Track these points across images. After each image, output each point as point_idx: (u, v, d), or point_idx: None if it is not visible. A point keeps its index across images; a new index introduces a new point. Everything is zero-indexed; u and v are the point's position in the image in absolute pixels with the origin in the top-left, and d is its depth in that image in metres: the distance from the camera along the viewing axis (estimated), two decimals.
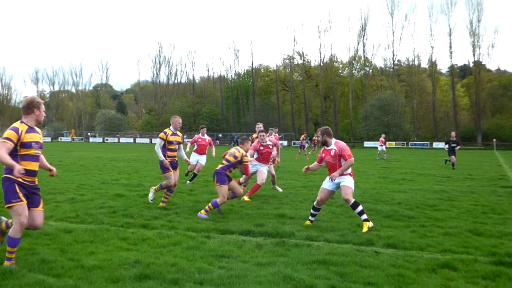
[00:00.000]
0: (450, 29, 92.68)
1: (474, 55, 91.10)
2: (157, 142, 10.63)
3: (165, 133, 10.72)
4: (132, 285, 5.16)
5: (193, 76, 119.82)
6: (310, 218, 8.85)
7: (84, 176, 17.68)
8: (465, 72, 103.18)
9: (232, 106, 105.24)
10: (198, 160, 15.63)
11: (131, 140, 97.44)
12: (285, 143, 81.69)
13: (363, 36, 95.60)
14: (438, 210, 10.64)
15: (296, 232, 7.86)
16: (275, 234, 7.67)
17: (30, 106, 5.93)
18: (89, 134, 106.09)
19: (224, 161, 10.16)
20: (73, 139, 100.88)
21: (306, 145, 39.40)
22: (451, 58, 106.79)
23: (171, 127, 10.92)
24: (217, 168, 10.08)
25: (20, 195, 5.67)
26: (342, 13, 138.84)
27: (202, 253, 6.44)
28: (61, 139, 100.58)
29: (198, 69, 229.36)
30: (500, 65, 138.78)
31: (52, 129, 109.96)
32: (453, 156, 24.42)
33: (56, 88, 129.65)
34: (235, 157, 10.12)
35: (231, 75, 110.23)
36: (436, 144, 79.50)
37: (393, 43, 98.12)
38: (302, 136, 40.40)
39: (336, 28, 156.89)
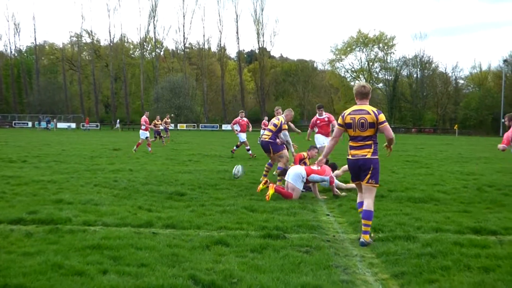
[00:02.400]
0: (237, 16, 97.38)
1: (258, 42, 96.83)
2: (286, 133, 12.02)
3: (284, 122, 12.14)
4: None
5: None
6: None
7: None
8: (251, 57, 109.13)
9: (12, 85, 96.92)
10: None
11: None
12: (73, 125, 78.07)
13: (154, 17, 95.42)
14: (219, 190, 11.04)
15: (73, 217, 7.51)
16: (49, 221, 7.22)
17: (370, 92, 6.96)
18: None
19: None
20: None
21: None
22: (238, 43, 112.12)
23: (284, 116, 12.22)
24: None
25: None
26: None
27: None
28: None
29: None
30: (282, 53, 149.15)
31: None
32: None
33: None
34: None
35: (11, 51, 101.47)
36: (225, 126, 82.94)
37: (184, 26, 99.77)
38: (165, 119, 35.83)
39: (126, 7, 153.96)
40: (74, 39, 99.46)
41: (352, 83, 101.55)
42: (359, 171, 6.74)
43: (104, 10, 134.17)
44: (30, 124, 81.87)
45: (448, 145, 36.87)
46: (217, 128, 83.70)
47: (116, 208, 8.41)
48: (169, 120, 35.87)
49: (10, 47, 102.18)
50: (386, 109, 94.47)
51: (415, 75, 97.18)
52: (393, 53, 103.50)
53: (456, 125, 76.97)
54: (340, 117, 6.90)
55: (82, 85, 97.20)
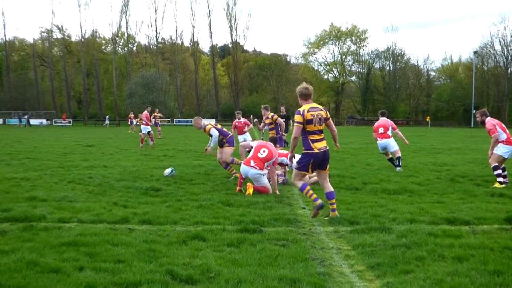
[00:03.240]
0: (210, 10, 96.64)
1: (231, 36, 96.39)
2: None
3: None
4: None
5: None
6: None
7: None
8: (224, 52, 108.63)
9: None
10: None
11: None
12: (45, 122, 76.96)
13: (126, 12, 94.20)
14: (195, 184, 11.03)
15: (48, 214, 7.43)
16: (23, 219, 7.13)
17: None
18: None
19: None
20: None
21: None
22: (211, 38, 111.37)
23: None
24: None
25: None
26: None
27: None
28: None
29: None
30: (255, 47, 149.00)
31: None
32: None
33: None
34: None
35: None
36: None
37: (156, 21, 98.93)
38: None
39: (97, 2, 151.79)
40: (45, 34, 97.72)
41: (326, 77, 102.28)
42: (323, 161, 7.60)
43: (75, 5, 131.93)
44: (1, 121, 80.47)
45: (421, 137, 37.37)
46: (191, 122, 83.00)
47: (91, 205, 8.35)
48: (158, 115, 34.16)
49: None
50: (360, 102, 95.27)
51: (387, 68, 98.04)
52: (366, 46, 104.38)
53: (428, 117, 77.95)
54: (299, 115, 7.42)
55: (53, 81, 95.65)
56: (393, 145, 14.37)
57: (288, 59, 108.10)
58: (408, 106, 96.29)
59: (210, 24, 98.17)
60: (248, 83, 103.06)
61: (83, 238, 6.04)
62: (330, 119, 7.70)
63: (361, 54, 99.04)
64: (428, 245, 5.81)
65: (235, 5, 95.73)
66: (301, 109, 7.47)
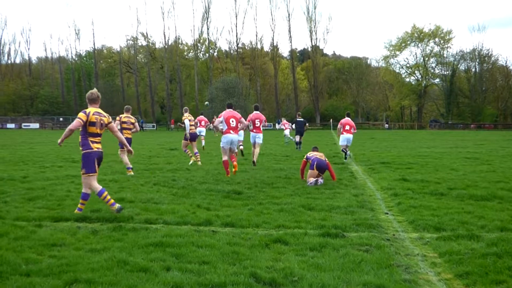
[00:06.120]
0: (289, 14, 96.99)
1: (311, 40, 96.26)
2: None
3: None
4: None
5: (28, 56, 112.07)
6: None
7: None
8: (304, 56, 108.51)
9: (73, 88, 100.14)
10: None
11: None
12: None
13: (207, 18, 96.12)
14: (275, 188, 11.07)
15: (135, 216, 7.73)
16: (112, 219, 7.46)
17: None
18: None
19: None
20: None
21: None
22: (290, 42, 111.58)
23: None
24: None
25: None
26: None
27: (32, 243, 6.05)
28: None
29: (34, 49, 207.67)
30: (335, 50, 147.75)
31: None
32: (297, 136, 25.39)
33: None
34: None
35: (72, 56, 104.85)
36: (278, 126, 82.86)
37: (236, 26, 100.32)
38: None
39: (180, 9, 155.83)
40: (131, 42, 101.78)
41: (408, 79, 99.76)
42: (100, 161, 8.42)
43: (158, 13, 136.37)
44: None
45: (510, 141, 35.64)
46: (270, 127, 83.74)
47: (176, 207, 8.57)
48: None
49: (71, 52, 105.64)
50: (443, 105, 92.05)
51: (473, 69, 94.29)
52: (450, 47, 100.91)
53: None
54: (83, 114, 8.09)
55: (138, 87, 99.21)
56: (351, 140, 18.97)
57: (369, 62, 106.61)
58: (496, 109, 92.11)
59: (289, 28, 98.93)
60: (328, 87, 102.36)
61: (169, 239, 6.23)
62: (112, 123, 8.47)
63: (445, 55, 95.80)
64: None
65: (315, 8, 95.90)
66: (87, 110, 8.16)
